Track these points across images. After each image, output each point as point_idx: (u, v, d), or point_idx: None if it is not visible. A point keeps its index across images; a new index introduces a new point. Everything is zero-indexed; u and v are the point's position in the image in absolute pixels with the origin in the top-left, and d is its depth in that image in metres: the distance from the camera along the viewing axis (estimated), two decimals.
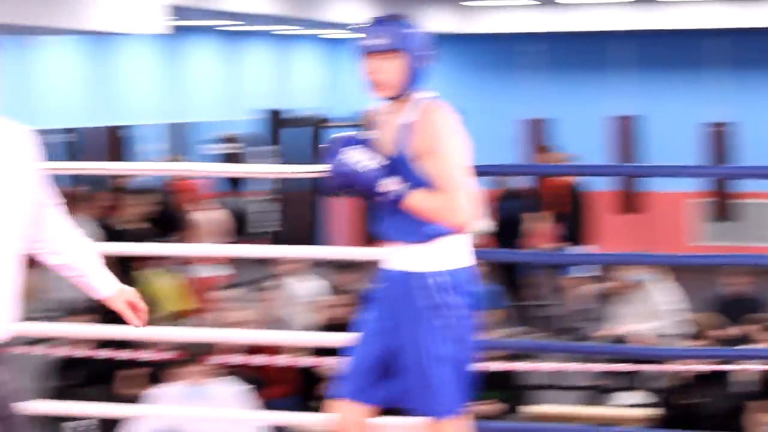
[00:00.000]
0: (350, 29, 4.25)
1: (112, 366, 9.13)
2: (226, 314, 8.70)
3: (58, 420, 9.07)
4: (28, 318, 13.77)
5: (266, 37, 20.21)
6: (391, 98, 3.99)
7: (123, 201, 10.72)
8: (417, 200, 3.86)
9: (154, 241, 10.07)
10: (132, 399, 7.56)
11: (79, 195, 11.07)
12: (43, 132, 15.24)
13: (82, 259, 3.67)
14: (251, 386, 7.45)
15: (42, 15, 11.20)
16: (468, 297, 3.98)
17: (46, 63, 15.33)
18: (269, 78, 20.76)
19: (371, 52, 3.92)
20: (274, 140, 18.10)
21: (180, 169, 11.74)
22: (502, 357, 7.65)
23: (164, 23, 12.52)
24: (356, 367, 4.04)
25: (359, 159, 3.87)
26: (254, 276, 11.65)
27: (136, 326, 3.96)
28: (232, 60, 19.88)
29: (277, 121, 18.32)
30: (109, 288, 3.76)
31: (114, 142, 16.36)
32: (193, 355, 6.62)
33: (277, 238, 16.73)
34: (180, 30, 15.33)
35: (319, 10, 15.87)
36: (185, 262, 10.86)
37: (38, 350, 9.38)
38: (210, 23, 17.38)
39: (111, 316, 10.30)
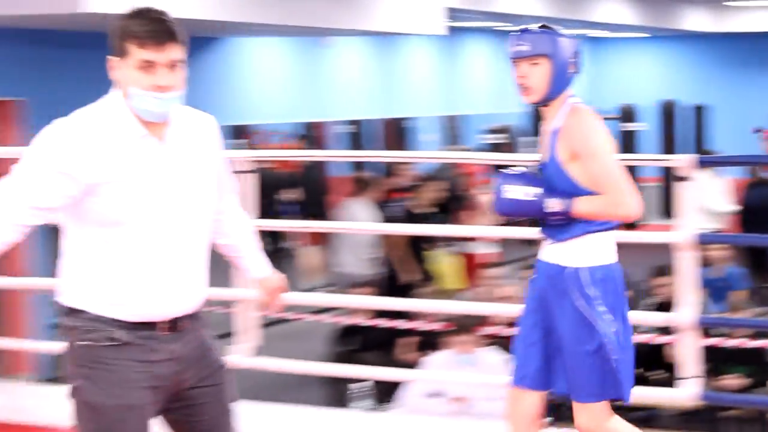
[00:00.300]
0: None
1: (390, 334, 9.23)
2: (494, 289, 8.68)
3: (341, 381, 9.19)
4: (316, 290, 14.20)
5: None
6: (540, 103, 3.89)
7: (419, 187, 10.89)
8: (584, 207, 3.75)
9: (442, 224, 10.24)
10: (407, 364, 7.63)
11: (363, 180, 11.22)
12: (332, 123, 15.63)
13: (244, 242, 3.64)
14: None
15: (336, 18, 11.42)
16: (614, 289, 3.87)
17: (337, 61, 15.57)
18: None
19: (518, 57, 3.85)
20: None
21: (455, 158, 11.85)
22: (747, 335, 7.39)
23: (442, 24, 12.61)
24: (523, 353, 3.99)
25: (522, 192, 3.79)
26: (520, 255, 11.63)
27: (268, 313, 3.98)
28: (502, 58, 19.83)
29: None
30: (259, 272, 3.68)
31: (394, 133, 16.56)
32: (463, 326, 6.62)
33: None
34: (455, 30, 15.41)
35: (585, 10, 15.71)
36: (463, 240, 11.06)
37: (325, 319, 9.54)
38: (483, 24, 17.40)
39: (389, 290, 10.46)
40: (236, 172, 5.64)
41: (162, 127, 3.24)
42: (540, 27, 3.86)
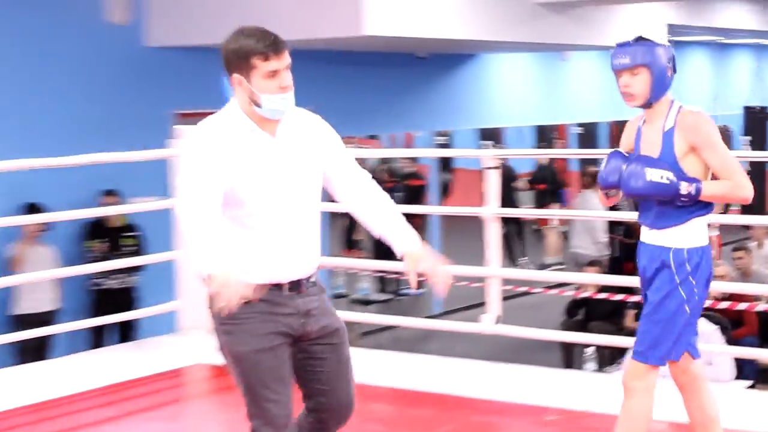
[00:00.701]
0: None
1: (616, 306, 9.26)
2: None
3: (572, 346, 9.27)
4: (553, 267, 14.10)
5: (745, 48, 19.71)
6: (643, 106, 3.83)
7: None
8: (712, 189, 3.71)
9: None
10: (633, 332, 7.59)
11: (592, 175, 11.23)
12: (567, 125, 15.59)
13: (386, 220, 3.57)
14: (722, 326, 7.37)
15: (576, 35, 11.41)
16: (704, 268, 3.79)
17: (573, 72, 15.55)
18: (748, 80, 20.21)
19: (620, 69, 3.81)
20: (753, 131, 17.86)
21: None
22: None
23: (665, 38, 12.43)
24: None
25: (659, 175, 3.69)
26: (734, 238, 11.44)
27: (412, 287, 3.81)
28: (719, 66, 19.50)
29: (758, 115, 18.17)
30: (403, 246, 3.52)
31: (616, 134, 16.40)
32: None
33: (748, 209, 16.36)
34: (677, 44, 15.14)
35: None
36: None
37: (560, 292, 9.59)
38: (700, 38, 17.09)
39: (615, 269, 10.39)
40: (484, 168, 5.86)
41: (274, 124, 3.39)
42: (635, 39, 3.83)
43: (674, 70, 3.79)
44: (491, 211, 5.79)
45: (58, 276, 8.11)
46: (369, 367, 6.16)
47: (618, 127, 16.08)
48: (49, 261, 8.42)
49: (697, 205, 3.74)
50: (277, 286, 3.40)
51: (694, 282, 3.75)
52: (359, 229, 12.66)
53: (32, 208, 8.41)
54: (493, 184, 5.81)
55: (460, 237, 13.60)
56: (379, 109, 12.22)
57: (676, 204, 3.71)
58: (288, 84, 3.33)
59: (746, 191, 3.71)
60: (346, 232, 12.35)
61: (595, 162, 12.61)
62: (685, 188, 3.65)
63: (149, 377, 5.89)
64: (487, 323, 5.79)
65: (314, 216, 3.49)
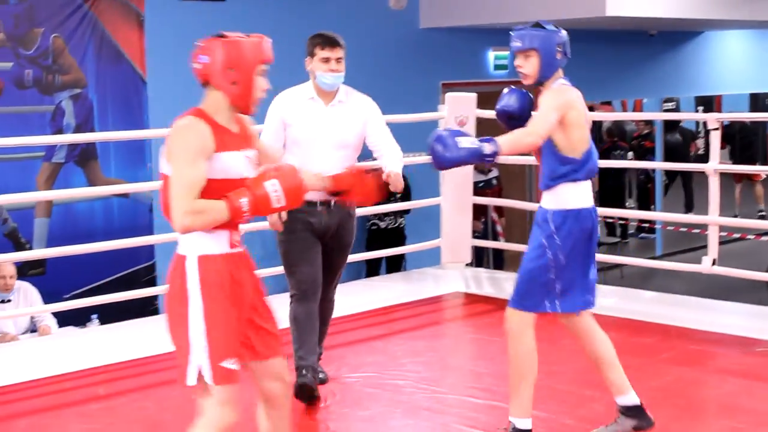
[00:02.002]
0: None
1: None
2: None
3: None
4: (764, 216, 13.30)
5: None
6: (534, 85, 3.53)
7: None
8: (505, 140, 3.35)
9: None
10: None
11: None
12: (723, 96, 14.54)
13: (389, 158, 4.23)
14: None
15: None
16: (576, 228, 3.47)
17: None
18: None
19: (515, 51, 3.53)
20: None
21: None
22: None
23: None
24: None
25: (469, 142, 3.30)
26: None
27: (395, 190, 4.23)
28: None
29: None
30: (389, 168, 4.09)
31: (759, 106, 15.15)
32: None
33: None
34: None
35: None
36: None
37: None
38: None
39: None
40: (708, 130, 5.56)
41: (329, 97, 4.21)
42: (532, 26, 3.56)
43: (565, 55, 3.55)
44: (713, 166, 5.50)
45: None
46: (598, 299, 6.03)
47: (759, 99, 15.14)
48: None
49: (565, 172, 3.46)
50: (312, 203, 4.13)
51: (559, 242, 3.45)
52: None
53: None
54: (715, 143, 5.51)
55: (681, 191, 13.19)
56: (613, 79, 11.98)
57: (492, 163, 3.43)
58: (336, 68, 4.17)
59: (532, 137, 3.38)
60: None
61: None
62: (488, 149, 3.31)
63: (414, 302, 5.95)
64: (706, 264, 5.51)
65: (346, 158, 4.16)
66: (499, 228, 10.07)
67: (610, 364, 3.65)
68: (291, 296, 4.25)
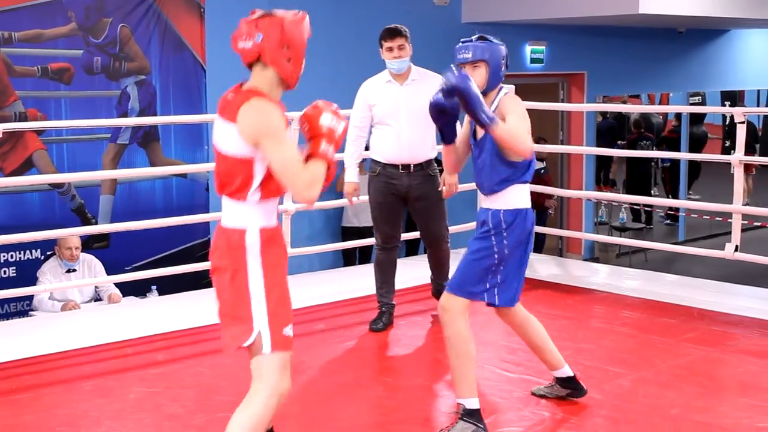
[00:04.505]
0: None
1: None
2: None
3: None
4: None
5: None
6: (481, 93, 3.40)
7: None
8: (505, 128, 3.29)
9: None
10: None
11: None
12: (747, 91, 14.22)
13: None
14: None
15: None
16: (523, 226, 3.44)
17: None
18: None
19: (462, 63, 3.45)
20: None
21: None
22: None
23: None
24: None
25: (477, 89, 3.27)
26: None
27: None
28: None
29: None
30: None
31: None
32: None
33: None
34: None
35: None
36: None
37: None
38: None
39: None
40: (735, 122, 5.44)
41: (402, 78, 4.66)
42: (477, 38, 3.48)
43: (507, 66, 3.49)
44: (738, 157, 5.38)
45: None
46: (623, 281, 5.96)
47: None
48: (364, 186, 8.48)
49: (514, 176, 3.44)
50: (395, 166, 4.68)
51: (506, 238, 3.43)
52: (612, 169, 12.31)
53: None
54: (741, 135, 5.39)
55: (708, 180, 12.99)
56: (642, 74, 11.81)
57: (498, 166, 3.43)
58: (398, 56, 4.58)
59: (528, 144, 3.33)
60: (600, 172, 12.00)
61: None
62: (490, 113, 3.27)
63: None
64: (729, 250, 5.41)
65: (421, 129, 4.59)
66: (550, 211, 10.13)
67: (544, 346, 3.70)
68: (376, 246, 4.88)
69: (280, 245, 2.77)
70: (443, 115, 3.44)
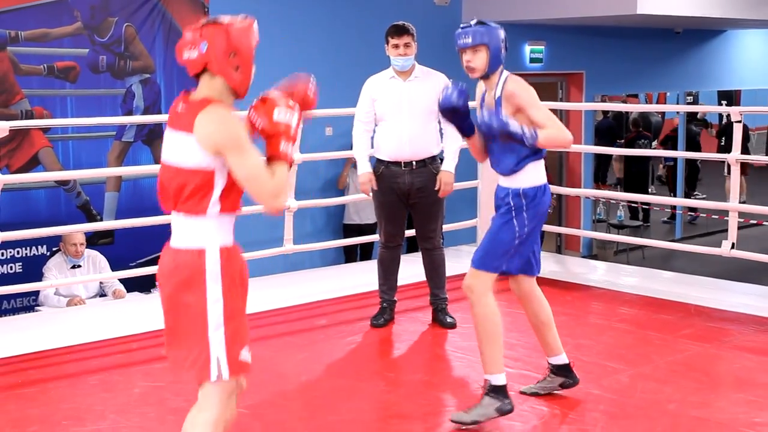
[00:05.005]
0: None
1: None
2: None
3: None
4: None
5: None
6: (482, 78, 3.50)
7: None
8: (545, 135, 3.38)
9: None
10: None
11: None
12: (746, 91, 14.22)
13: (447, 143, 4.72)
14: None
15: None
16: (543, 200, 3.51)
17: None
18: None
19: (463, 47, 3.47)
20: None
21: None
22: None
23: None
24: None
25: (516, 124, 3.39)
26: None
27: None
28: None
29: None
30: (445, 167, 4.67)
31: None
32: None
33: None
34: None
35: None
36: None
37: None
38: None
39: None
40: (731, 121, 5.43)
41: (406, 75, 4.66)
42: (476, 23, 3.49)
43: (506, 49, 3.50)
44: (735, 156, 5.38)
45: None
46: (621, 278, 5.96)
47: None
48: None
49: (529, 153, 3.47)
50: (397, 163, 4.66)
51: (527, 213, 3.49)
52: (615, 167, 12.32)
53: None
54: (737, 134, 5.39)
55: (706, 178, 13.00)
56: (640, 73, 11.79)
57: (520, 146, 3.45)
58: (403, 53, 4.59)
59: (569, 134, 3.41)
60: (598, 171, 12.00)
61: None
62: (528, 131, 3.36)
63: (450, 277, 5.86)
64: (725, 248, 5.41)
65: (423, 125, 4.60)
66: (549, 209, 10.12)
67: (549, 326, 3.72)
68: (379, 244, 4.88)
69: (241, 263, 2.58)
70: (457, 114, 3.51)
